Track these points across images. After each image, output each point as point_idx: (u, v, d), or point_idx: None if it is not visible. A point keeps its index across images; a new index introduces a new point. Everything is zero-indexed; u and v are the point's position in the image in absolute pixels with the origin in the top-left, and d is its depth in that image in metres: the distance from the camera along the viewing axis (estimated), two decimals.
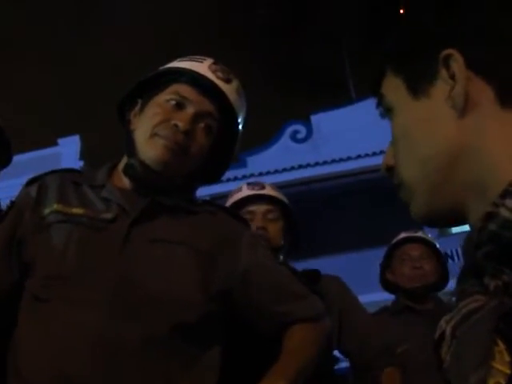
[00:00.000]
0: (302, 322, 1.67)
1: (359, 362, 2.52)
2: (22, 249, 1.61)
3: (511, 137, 0.72)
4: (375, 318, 3.07)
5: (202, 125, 1.67)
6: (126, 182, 1.69)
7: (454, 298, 0.72)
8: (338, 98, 18.74)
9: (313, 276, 2.48)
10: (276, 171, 14.96)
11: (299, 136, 16.52)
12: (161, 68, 1.76)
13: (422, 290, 3.19)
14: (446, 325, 0.70)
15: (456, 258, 13.41)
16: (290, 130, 16.66)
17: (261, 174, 14.58)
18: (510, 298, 0.63)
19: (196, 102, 1.66)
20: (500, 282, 0.65)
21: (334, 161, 15.65)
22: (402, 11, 0.92)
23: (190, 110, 1.65)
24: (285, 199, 2.58)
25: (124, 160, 1.72)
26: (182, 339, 1.53)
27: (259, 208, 2.50)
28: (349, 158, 15.59)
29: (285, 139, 16.56)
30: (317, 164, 15.65)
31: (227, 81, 1.73)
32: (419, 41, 0.83)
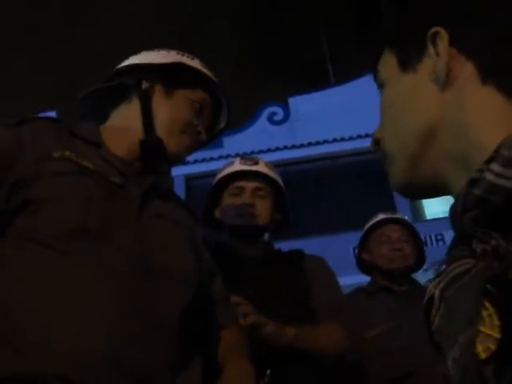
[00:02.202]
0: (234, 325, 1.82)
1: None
2: (19, 189, 1.43)
3: (491, 111, 0.75)
4: (350, 299, 3.09)
5: (205, 122, 1.79)
6: (122, 150, 1.65)
7: (443, 267, 0.73)
8: (317, 81, 18.77)
9: (296, 256, 2.48)
10: (252, 152, 14.93)
11: (276, 118, 16.51)
12: (190, 63, 1.76)
13: (402, 271, 3.20)
14: (434, 289, 0.72)
15: (430, 243, 13.53)
16: (267, 111, 16.64)
17: (237, 155, 14.48)
18: (498, 262, 0.64)
19: (209, 115, 1.80)
20: (488, 246, 0.66)
21: (310, 143, 15.68)
22: None
23: (204, 120, 1.77)
24: (277, 177, 2.50)
25: (121, 123, 1.71)
26: (184, 320, 1.55)
27: (249, 184, 2.42)
28: (325, 141, 15.62)
29: (262, 121, 16.55)
30: (293, 146, 15.67)
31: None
32: (411, 19, 0.87)
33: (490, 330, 0.61)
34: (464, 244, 0.71)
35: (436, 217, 14.20)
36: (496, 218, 0.66)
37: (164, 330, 1.46)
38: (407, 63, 0.86)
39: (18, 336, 1.31)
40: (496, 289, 0.62)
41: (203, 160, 15.05)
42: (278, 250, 2.53)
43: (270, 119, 16.54)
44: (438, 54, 0.80)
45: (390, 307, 3.09)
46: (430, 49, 0.81)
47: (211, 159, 15.00)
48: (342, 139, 15.56)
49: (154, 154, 1.66)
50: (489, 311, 0.62)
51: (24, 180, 1.44)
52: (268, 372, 2.03)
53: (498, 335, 0.60)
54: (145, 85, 1.70)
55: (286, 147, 15.64)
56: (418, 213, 14.27)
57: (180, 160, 1.74)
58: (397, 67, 0.88)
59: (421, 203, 15.78)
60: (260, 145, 15.45)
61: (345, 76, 17.16)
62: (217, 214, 2.48)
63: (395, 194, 15.47)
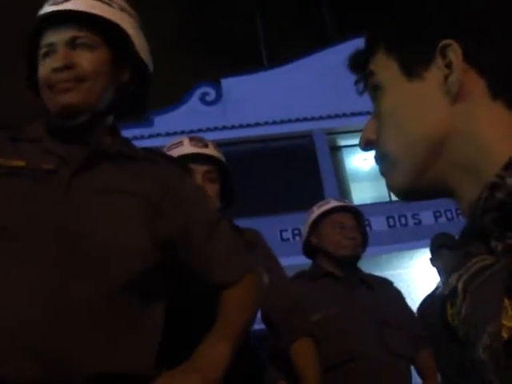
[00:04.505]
0: (238, 282, 1.65)
1: (274, 325, 2.50)
2: None
3: (501, 123, 0.80)
4: (293, 281, 3.11)
5: (78, 48, 1.60)
6: (60, 134, 1.62)
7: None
8: (250, 64, 18.77)
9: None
10: (183, 132, 14.86)
11: (208, 98, 16.44)
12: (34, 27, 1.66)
13: (351, 259, 3.25)
14: (456, 282, 0.78)
15: None
16: (199, 91, 16.55)
17: (168, 134, 14.46)
18: None
19: (60, 37, 1.59)
20: (504, 244, 0.73)
21: (242, 125, 15.69)
22: None
23: (59, 48, 1.59)
24: (224, 159, 2.50)
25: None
26: (130, 292, 1.49)
27: (200, 168, 2.38)
28: (257, 124, 15.65)
29: (194, 101, 16.45)
30: (225, 128, 15.65)
31: (109, 4, 1.64)
32: (420, 26, 0.88)
33: (505, 320, 0.67)
34: (480, 242, 0.77)
35: (363, 203, 14.43)
36: None
37: (102, 310, 1.43)
38: (413, 70, 0.87)
39: None
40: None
41: (133, 138, 14.87)
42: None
43: (202, 99, 16.46)
44: (447, 66, 0.83)
45: (333, 293, 3.12)
46: (439, 60, 0.84)
47: (141, 137, 14.83)
48: (274, 122, 15.62)
49: (59, 127, 1.62)
50: (504, 303, 0.68)
51: None
52: None
53: (511, 324, 0.66)
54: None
55: (217, 128, 15.59)
56: (345, 198, 14.46)
57: (63, 107, 1.57)
58: (399, 72, 0.89)
59: (349, 189, 16.00)
60: (191, 125, 15.36)
61: (278, 60, 17.23)
62: None
63: (324, 178, 15.60)
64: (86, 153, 1.59)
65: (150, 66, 1.74)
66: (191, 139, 2.50)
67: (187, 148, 2.44)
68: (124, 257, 1.51)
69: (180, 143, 2.49)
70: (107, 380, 1.41)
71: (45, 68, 1.59)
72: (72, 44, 1.59)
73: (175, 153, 2.41)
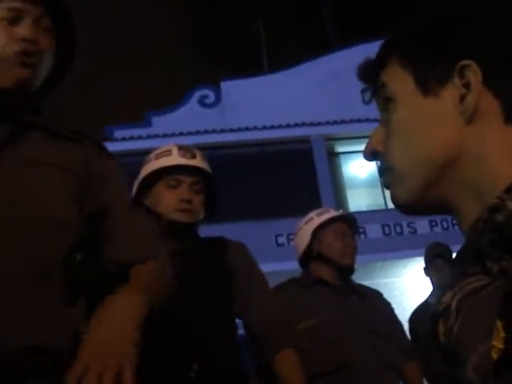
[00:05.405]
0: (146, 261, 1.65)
1: (257, 337, 2.53)
2: None
3: (510, 149, 0.81)
4: (283, 289, 3.13)
5: (42, 29, 1.60)
6: None
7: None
8: (250, 68, 18.80)
9: (220, 244, 2.52)
10: (181, 134, 14.86)
11: (207, 101, 16.47)
12: None
13: (351, 267, 3.27)
14: (450, 300, 0.77)
15: None
16: (198, 94, 16.58)
17: (165, 135, 14.46)
18: (507, 281, 0.71)
19: (31, 8, 1.59)
20: (499, 266, 0.73)
21: (239, 129, 15.69)
22: None
23: (27, 20, 1.58)
24: (209, 170, 2.55)
25: None
26: (58, 265, 1.49)
27: (186, 179, 2.45)
28: (255, 128, 15.65)
29: (192, 103, 16.47)
30: (223, 130, 15.65)
31: None
32: (440, 43, 0.87)
33: (495, 341, 0.67)
34: (477, 262, 0.77)
35: (359, 210, 14.43)
36: (510, 242, 0.73)
37: (26, 289, 1.42)
38: (429, 87, 0.87)
39: None
40: (505, 304, 0.68)
41: (131, 138, 14.88)
42: (202, 240, 2.55)
43: (201, 102, 16.49)
44: (465, 86, 0.83)
45: (326, 300, 3.12)
46: (457, 79, 0.83)
47: (139, 138, 14.83)
48: (272, 127, 15.62)
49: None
50: (496, 324, 0.68)
51: None
52: (195, 366, 2.08)
53: (501, 346, 0.66)
54: None
55: (214, 130, 15.60)
56: (341, 206, 14.46)
57: (18, 81, 1.56)
58: (414, 87, 0.88)
59: (345, 196, 16.00)
60: (189, 126, 15.37)
61: (278, 65, 17.25)
62: (147, 202, 2.47)
63: (320, 184, 15.59)
64: (14, 125, 1.56)
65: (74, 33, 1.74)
66: (180, 149, 2.53)
67: (176, 158, 2.48)
68: (56, 228, 1.51)
69: (169, 152, 2.52)
70: (30, 354, 1.39)
71: (12, 34, 1.56)
72: (38, 22, 1.59)
73: (163, 162, 2.48)
